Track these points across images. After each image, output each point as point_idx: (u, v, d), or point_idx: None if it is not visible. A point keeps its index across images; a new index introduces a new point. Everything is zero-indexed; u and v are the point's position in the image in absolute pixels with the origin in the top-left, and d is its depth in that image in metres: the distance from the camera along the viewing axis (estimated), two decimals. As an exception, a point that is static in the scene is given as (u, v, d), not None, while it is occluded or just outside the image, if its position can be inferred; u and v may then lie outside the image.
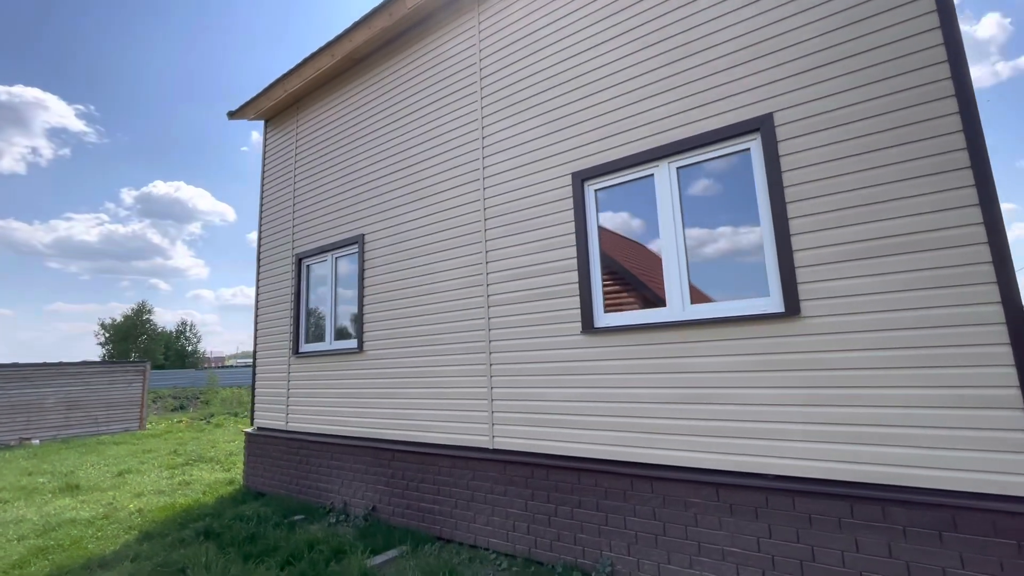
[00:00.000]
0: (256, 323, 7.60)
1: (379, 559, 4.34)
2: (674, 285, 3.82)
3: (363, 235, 6.17)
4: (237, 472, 8.66)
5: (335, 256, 6.64)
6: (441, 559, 4.27)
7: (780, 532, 3.16)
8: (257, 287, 7.70)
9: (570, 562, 3.96)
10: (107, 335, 63.87)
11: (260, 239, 7.80)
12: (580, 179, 4.37)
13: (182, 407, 28.38)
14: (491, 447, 4.62)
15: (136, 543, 5.03)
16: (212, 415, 22.62)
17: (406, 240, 5.64)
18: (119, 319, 65.11)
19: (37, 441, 14.15)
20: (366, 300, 6.02)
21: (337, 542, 4.59)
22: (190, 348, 71.73)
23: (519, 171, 4.78)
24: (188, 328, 73.94)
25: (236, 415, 22.00)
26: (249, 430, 7.36)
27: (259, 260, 7.76)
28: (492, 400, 4.68)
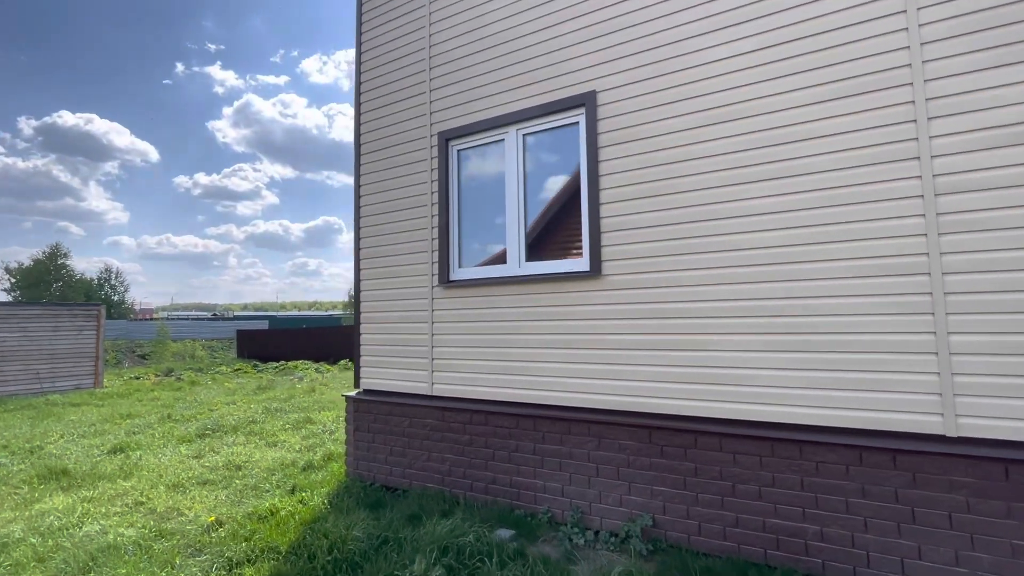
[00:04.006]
0: (358, 242, 5.12)
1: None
2: None
3: (593, 92, 3.86)
4: (294, 449, 6.30)
5: (521, 132, 4.28)
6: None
7: None
8: (357, 188, 5.17)
9: None
10: (13, 280, 56.26)
11: (360, 114, 5.21)
12: None
13: (119, 362, 24.66)
14: (953, 434, 2.68)
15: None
16: (172, 370, 19.41)
17: (702, 94, 3.42)
18: (28, 263, 57.44)
19: (-40, 402, 10.82)
20: (604, 197, 3.78)
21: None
22: (116, 298, 64.71)
23: (1020, -49, 2.67)
24: (113, 275, 66.62)
25: (201, 371, 18.98)
26: (353, 394, 5.02)
27: (359, 147, 5.19)
28: (949, 355, 2.70)
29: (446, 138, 4.60)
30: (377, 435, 4.79)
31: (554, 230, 4.20)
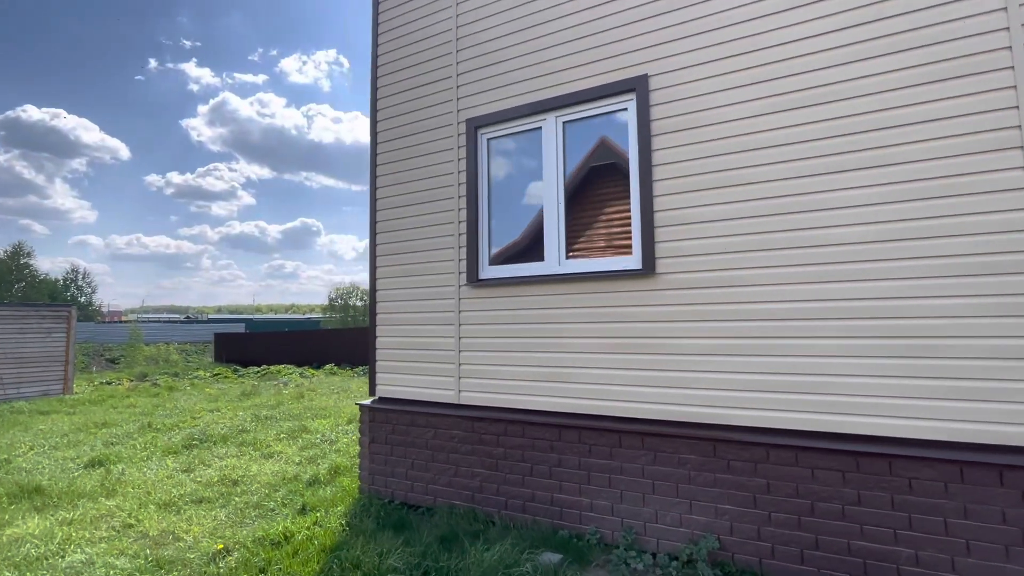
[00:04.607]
0: (374, 238, 4.73)
1: None
2: None
3: (645, 76, 3.57)
4: (293, 461, 5.84)
5: (561, 119, 3.96)
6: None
7: None
8: (373, 180, 4.78)
9: None
10: (-29, 280, 53.68)
11: (376, 100, 4.82)
12: None
13: (87, 366, 23.49)
14: (1068, 447, 2.45)
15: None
16: (147, 375, 18.53)
17: (775, 77, 3.15)
18: (-12, 262, 54.99)
19: (-87, 410, 9.97)
20: (658, 189, 3.48)
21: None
22: (83, 299, 62.23)
23: None
24: (80, 276, 64.09)
25: (178, 376, 18.13)
26: (367, 402, 4.61)
27: (375, 136, 4.80)
28: (1062, 360, 2.47)
29: (475, 126, 4.25)
30: (396, 447, 4.40)
31: (593, 224, 3.89)
